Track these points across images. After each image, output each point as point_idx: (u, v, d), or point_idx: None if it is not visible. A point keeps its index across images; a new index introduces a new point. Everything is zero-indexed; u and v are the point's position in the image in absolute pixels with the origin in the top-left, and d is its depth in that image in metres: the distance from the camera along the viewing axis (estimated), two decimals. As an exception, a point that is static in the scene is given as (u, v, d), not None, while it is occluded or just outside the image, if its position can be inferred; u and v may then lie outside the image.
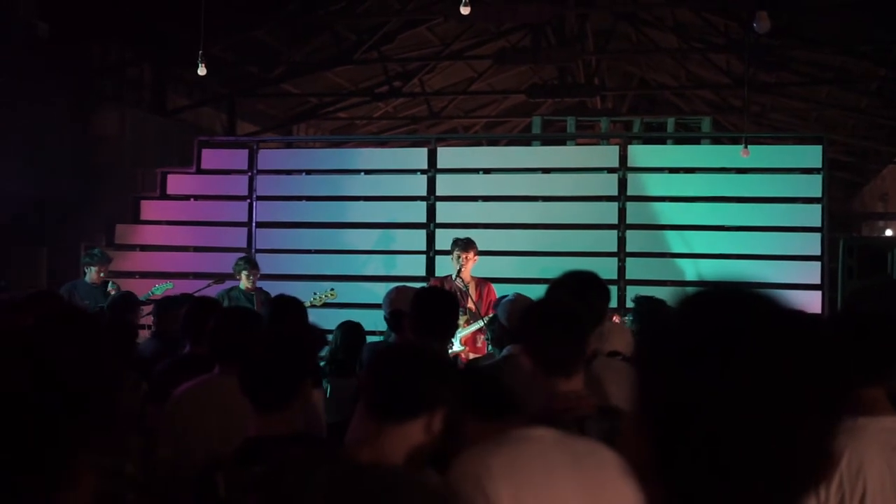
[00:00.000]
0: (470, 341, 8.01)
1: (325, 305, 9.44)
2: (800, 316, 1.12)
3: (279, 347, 3.02)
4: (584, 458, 2.51)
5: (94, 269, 9.41)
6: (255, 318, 4.19)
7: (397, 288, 5.22)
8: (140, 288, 9.26)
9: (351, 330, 6.94)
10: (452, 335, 4.72)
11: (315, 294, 9.41)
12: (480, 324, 7.76)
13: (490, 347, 6.00)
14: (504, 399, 2.70)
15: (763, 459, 1.04)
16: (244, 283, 9.44)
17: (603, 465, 2.41)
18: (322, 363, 6.70)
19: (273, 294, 6.47)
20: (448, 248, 8.64)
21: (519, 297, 4.98)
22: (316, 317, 8.88)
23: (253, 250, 11.62)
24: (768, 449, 1.04)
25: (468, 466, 2.45)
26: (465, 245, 8.43)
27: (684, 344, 1.10)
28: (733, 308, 1.11)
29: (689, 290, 1.17)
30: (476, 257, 8.46)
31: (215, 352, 3.93)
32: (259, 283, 9.58)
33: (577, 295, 3.75)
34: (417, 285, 6.40)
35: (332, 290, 9.61)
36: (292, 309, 5.18)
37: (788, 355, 1.06)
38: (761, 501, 1.06)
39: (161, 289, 9.59)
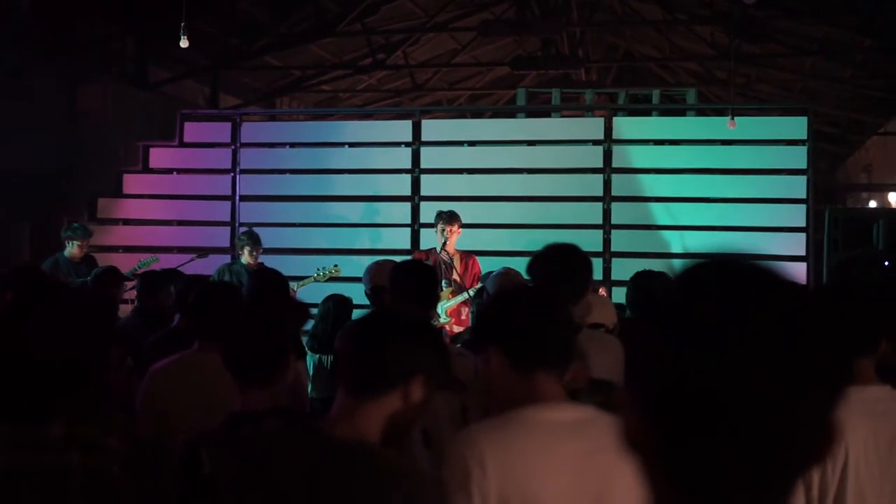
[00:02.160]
0: (455, 313, 8.03)
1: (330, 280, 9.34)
2: (798, 287, 1.10)
3: (263, 323, 3.01)
4: (592, 457, 2.32)
5: (75, 242, 9.21)
6: (235, 293, 4.17)
7: (376, 263, 5.19)
8: (123, 262, 9.17)
9: (339, 304, 6.92)
10: (434, 305, 4.69)
11: (318, 270, 9.35)
12: (465, 296, 7.77)
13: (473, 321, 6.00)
14: (550, 346, 2.48)
15: (763, 437, 1.02)
16: (246, 258, 9.16)
17: (610, 466, 2.18)
18: (305, 338, 6.68)
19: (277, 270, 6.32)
20: (433, 220, 8.64)
21: (508, 271, 4.98)
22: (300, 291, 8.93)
23: (237, 224, 11.55)
24: (768, 425, 1.02)
25: (460, 453, 2.33)
26: (449, 218, 8.43)
27: (684, 317, 1.07)
28: (733, 279, 1.08)
29: (688, 262, 1.13)
30: (460, 230, 8.46)
31: (194, 327, 3.91)
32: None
33: (558, 267, 3.74)
34: (402, 258, 6.39)
35: (336, 266, 9.44)
36: (275, 283, 5.16)
37: (790, 326, 1.03)
38: (760, 479, 1.04)
39: (147, 263, 9.50)
